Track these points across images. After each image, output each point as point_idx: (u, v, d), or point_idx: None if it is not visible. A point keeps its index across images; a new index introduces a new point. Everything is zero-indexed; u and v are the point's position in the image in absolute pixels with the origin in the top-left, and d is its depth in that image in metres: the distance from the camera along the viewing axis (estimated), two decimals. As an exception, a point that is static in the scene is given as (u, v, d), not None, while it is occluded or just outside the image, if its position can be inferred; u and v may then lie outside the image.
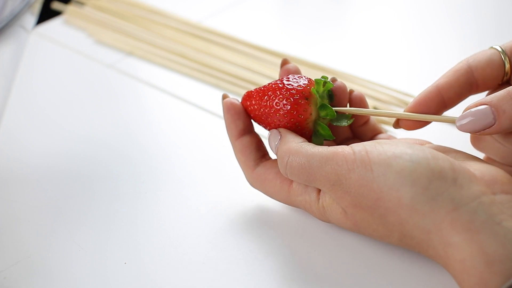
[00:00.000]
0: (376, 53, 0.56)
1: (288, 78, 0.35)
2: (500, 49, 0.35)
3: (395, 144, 0.31)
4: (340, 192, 0.32)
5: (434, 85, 0.35)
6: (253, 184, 0.37)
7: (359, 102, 0.37)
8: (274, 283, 0.33)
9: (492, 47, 0.36)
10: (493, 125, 0.32)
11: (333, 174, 0.31)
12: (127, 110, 0.51)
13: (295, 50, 0.56)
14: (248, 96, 0.36)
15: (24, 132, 0.48)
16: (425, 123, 0.35)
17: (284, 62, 0.38)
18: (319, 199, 0.34)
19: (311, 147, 0.33)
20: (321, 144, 0.35)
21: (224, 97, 0.37)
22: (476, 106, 0.32)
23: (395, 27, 0.61)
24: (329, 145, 0.34)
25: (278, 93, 0.35)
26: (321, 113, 0.35)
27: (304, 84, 0.35)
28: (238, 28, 0.61)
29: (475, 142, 0.36)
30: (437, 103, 0.35)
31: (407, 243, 0.31)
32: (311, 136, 0.36)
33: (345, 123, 0.36)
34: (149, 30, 0.61)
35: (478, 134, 0.33)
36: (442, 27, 0.60)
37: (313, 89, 0.35)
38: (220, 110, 0.48)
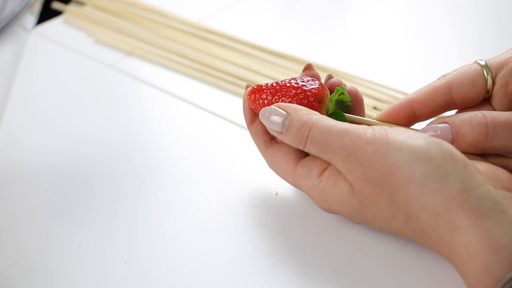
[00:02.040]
0: (376, 53, 0.56)
1: (302, 79, 0.36)
2: (484, 63, 0.35)
3: (411, 130, 0.32)
4: (353, 163, 0.32)
5: (408, 98, 0.36)
6: (268, 164, 0.38)
7: (354, 96, 0.37)
8: (274, 283, 0.33)
9: (476, 61, 0.36)
10: (451, 144, 0.33)
11: (350, 145, 0.32)
12: (127, 110, 0.51)
13: (295, 50, 0.56)
14: (258, 90, 0.37)
15: (24, 132, 0.48)
16: None
17: (308, 67, 0.38)
18: (320, 182, 0.34)
19: (331, 120, 0.34)
20: None
21: (247, 86, 0.39)
22: (439, 123, 0.34)
23: (395, 27, 0.61)
24: None
25: (293, 93, 0.35)
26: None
27: (317, 87, 0.35)
28: (238, 28, 0.61)
29: None
30: (406, 116, 0.36)
31: (411, 227, 0.31)
32: None
33: None
34: (149, 30, 0.61)
35: None
36: (442, 27, 0.60)
37: (331, 96, 0.35)
38: (219, 110, 0.49)
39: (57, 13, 0.66)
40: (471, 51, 0.55)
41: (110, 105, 0.51)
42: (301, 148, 0.34)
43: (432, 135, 0.33)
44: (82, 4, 0.67)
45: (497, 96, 0.35)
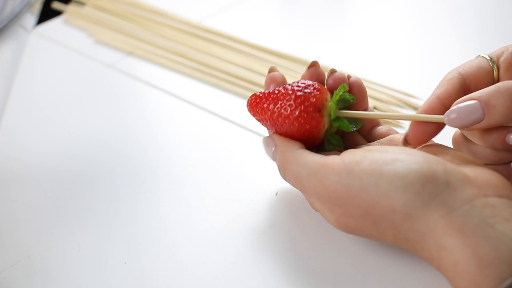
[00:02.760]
0: (376, 53, 0.56)
1: (299, 86, 0.35)
2: (487, 57, 0.35)
3: (385, 151, 0.31)
4: (329, 204, 0.32)
5: (434, 95, 0.35)
6: None
7: (358, 87, 0.37)
8: (274, 283, 0.33)
9: (479, 55, 0.36)
10: (482, 120, 0.31)
11: (320, 187, 0.32)
12: (127, 110, 0.51)
13: (295, 50, 0.56)
14: (256, 99, 0.36)
15: (24, 132, 0.48)
16: (431, 135, 0.34)
17: (313, 65, 0.37)
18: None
19: (305, 155, 0.33)
20: (331, 150, 0.35)
21: (271, 70, 0.38)
22: (465, 101, 0.32)
23: (396, 27, 0.61)
24: None
25: (293, 104, 0.34)
26: (334, 124, 0.35)
27: (315, 95, 0.34)
28: (238, 28, 0.61)
29: (455, 143, 0.36)
30: (440, 112, 0.34)
31: (402, 245, 0.31)
32: (321, 144, 0.35)
33: (353, 128, 0.36)
34: (149, 30, 0.61)
35: (467, 129, 0.32)
36: (442, 27, 0.60)
37: (331, 102, 0.35)
38: (219, 110, 0.49)
39: (57, 13, 0.66)
40: (471, 51, 0.55)
41: (110, 105, 0.51)
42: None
43: (459, 115, 0.32)
44: (82, 4, 0.67)
45: (506, 79, 0.35)
